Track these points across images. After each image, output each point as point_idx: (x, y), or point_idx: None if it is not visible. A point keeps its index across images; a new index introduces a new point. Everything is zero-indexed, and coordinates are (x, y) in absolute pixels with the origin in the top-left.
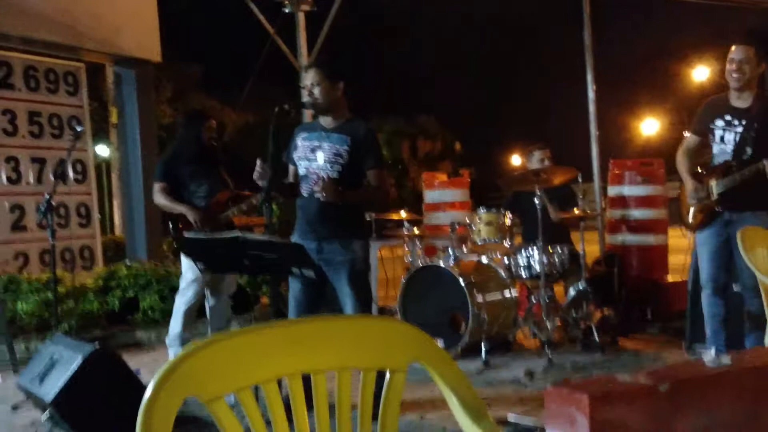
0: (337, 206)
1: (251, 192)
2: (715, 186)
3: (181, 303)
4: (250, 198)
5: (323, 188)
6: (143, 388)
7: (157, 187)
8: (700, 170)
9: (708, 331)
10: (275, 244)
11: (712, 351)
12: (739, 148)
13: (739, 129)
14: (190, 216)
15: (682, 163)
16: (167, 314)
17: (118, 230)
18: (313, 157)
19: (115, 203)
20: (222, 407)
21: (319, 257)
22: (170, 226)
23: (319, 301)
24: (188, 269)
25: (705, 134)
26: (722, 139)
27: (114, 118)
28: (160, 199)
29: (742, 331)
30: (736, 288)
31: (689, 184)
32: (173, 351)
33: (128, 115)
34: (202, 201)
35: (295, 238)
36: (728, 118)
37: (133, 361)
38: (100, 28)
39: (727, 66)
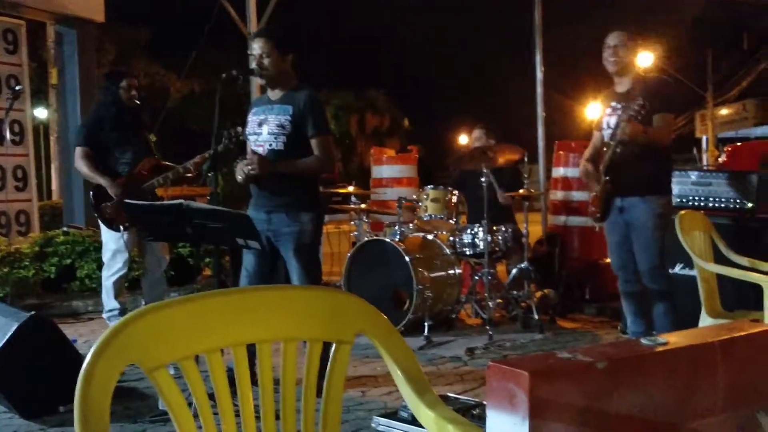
0: (287, 178)
1: (175, 164)
2: (601, 168)
3: (108, 276)
4: (177, 169)
5: (252, 163)
6: (80, 357)
7: (79, 152)
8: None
9: (627, 313)
10: (220, 213)
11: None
12: (614, 129)
13: (618, 112)
14: (110, 189)
15: (584, 154)
16: None
17: (55, 195)
18: (260, 131)
19: (53, 167)
20: (164, 376)
21: (268, 228)
22: (91, 195)
23: (272, 275)
24: (109, 240)
25: (601, 126)
26: (608, 125)
27: (54, 79)
28: (81, 165)
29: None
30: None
31: (581, 167)
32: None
33: (68, 76)
34: (126, 168)
35: (249, 210)
36: (613, 104)
37: (69, 330)
38: None
39: (604, 53)
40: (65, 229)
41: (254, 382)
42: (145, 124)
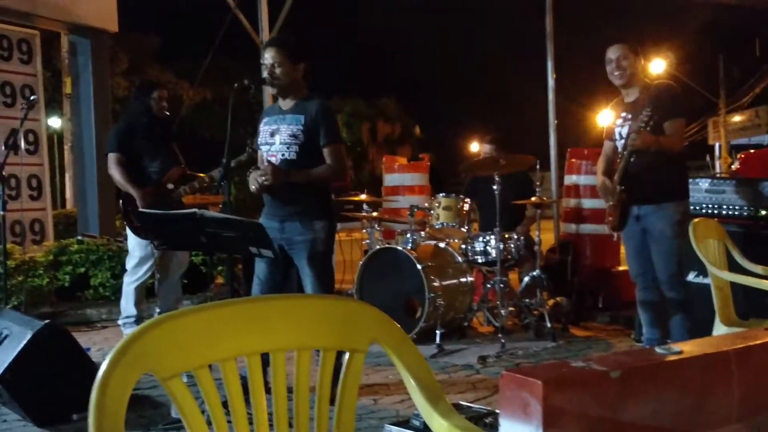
0: (300, 186)
1: (203, 173)
2: (616, 179)
3: (130, 282)
4: (203, 178)
5: (266, 173)
6: (93, 366)
7: (112, 158)
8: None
9: (643, 321)
10: (233, 222)
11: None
12: (626, 140)
13: (629, 122)
14: (139, 201)
15: (598, 167)
16: (119, 292)
17: (69, 204)
18: (272, 141)
19: (67, 176)
20: (178, 385)
21: (281, 237)
22: (121, 203)
23: (285, 283)
24: (135, 247)
25: (613, 136)
26: (620, 135)
27: (68, 89)
28: (115, 172)
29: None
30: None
31: (598, 182)
32: (129, 332)
33: (82, 85)
34: (155, 176)
35: (262, 219)
36: (623, 114)
37: (83, 339)
38: None
39: (607, 68)
40: (79, 237)
41: (267, 390)
42: (174, 135)
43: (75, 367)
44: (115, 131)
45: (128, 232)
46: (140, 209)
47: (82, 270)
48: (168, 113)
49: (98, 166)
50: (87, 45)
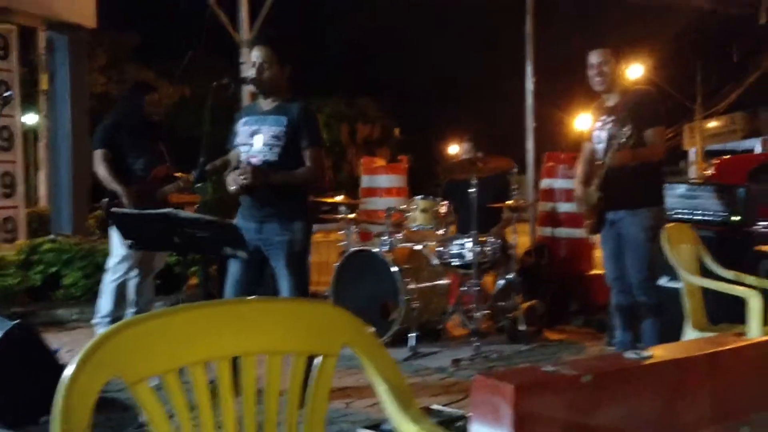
0: (278, 187)
1: (183, 173)
2: (594, 187)
3: (111, 280)
4: (186, 178)
5: (246, 173)
6: (62, 368)
7: (98, 154)
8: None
9: (616, 324)
10: (207, 222)
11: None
12: (606, 147)
13: (608, 126)
14: (124, 198)
15: (578, 171)
16: (90, 292)
17: (42, 202)
18: (252, 142)
19: (41, 174)
20: (145, 390)
21: (258, 237)
22: (103, 201)
23: (259, 284)
24: (119, 245)
25: (592, 139)
26: (599, 138)
27: (44, 85)
28: (101, 169)
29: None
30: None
31: (577, 190)
32: (102, 331)
33: (59, 82)
34: (140, 174)
35: (237, 220)
36: (603, 118)
37: (53, 339)
38: None
39: (588, 72)
40: (52, 236)
41: (238, 392)
42: (162, 136)
43: (44, 369)
44: (102, 128)
45: (111, 229)
46: (114, 209)
47: (54, 270)
48: (157, 117)
49: (73, 164)
50: (64, 41)
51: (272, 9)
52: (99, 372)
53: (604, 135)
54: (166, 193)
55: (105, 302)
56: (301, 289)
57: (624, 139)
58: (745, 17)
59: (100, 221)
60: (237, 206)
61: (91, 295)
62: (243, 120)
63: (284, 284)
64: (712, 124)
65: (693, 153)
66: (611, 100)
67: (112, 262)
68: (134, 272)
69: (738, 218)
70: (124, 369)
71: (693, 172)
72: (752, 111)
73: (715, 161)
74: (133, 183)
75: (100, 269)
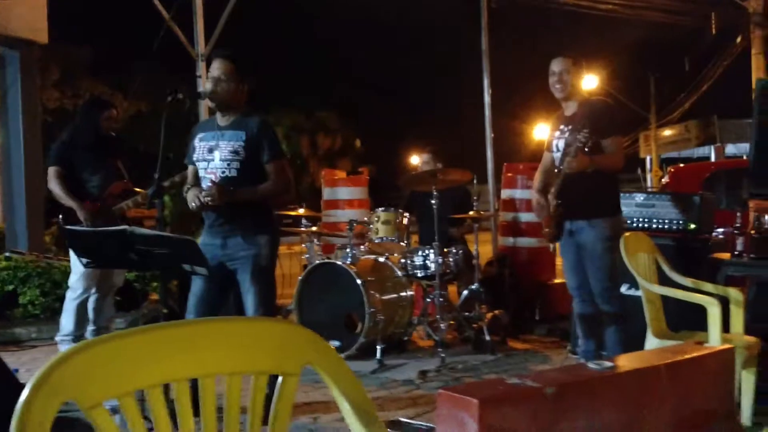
0: (241, 202)
1: (139, 188)
2: (551, 195)
3: (72, 298)
4: (144, 193)
5: (212, 193)
6: (21, 388)
7: (52, 171)
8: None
9: (579, 333)
10: (165, 239)
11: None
12: (563, 154)
13: (566, 135)
14: (80, 214)
15: (535, 179)
16: (48, 310)
17: None
18: (211, 157)
19: None
20: (102, 415)
21: (223, 253)
22: (60, 218)
23: (222, 301)
24: (77, 262)
25: (551, 148)
26: (557, 147)
27: None
28: (54, 186)
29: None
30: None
31: (533, 199)
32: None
33: (11, 98)
34: (95, 191)
35: (203, 236)
36: (562, 127)
37: (11, 359)
38: None
39: (549, 79)
40: (7, 254)
41: (197, 412)
42: (119, 152)
43: (2, 390)
44: (57, 145)
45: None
46: (68, 227)
47: (11, 288)
48: (113, 133)
49: (27, 180)
50: (16, 57)
51: (230, 22)
52: (53, 397)
53: (561, 143)
54: (123, 209)
55: (67, 321)
56: (268, 304)
57: (581, 144)
58: (697, 28)
59: (57, 238)
60: (198, 222)
61: (49, 313)
62: (199, 135)
63: (250, 299)
64: (667, 132)
65: (649, 161)
66: (570, 109)
67: (71, 280)
68: (93, 289)
69: (694, 226)
70: (79, 393)
71: (650, 180)
72: (706, 119)
73: (671, 169)
74: (88, 200)
75: (57, 287)
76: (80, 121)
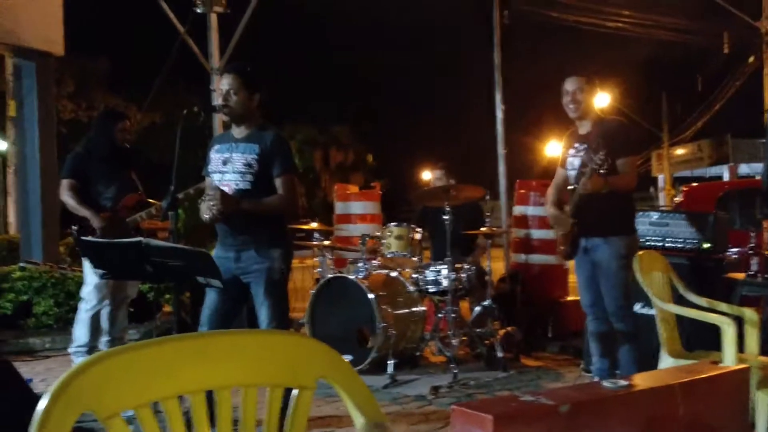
0: (254, 215)
1: (154, 199)
2: (567, 213)
3: (85, 309)
4: (159, 205)
5: (216, 198)
6: (35, 398)
7: (65, 183)
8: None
9: (593, 351)
10: (180, 251)
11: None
12: (579, 173)
13: (581, 154)
14: (95, 223)
15: (549, 194)
16: (62, 320)
17: (12, 229)
18: (225, 170)
19: (9, 201)
20: (119, 425)
21: (236, 266)
22: (73, 228)
23: (235, 314)
24: (90, 273)
25: (565, 165)
26: (572, 165)
27: (12, 112)
28: (67, 197)
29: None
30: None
31: (548, 213)
32: (79, 361)
33: (27, 109)
34: (109, 203)
35: (216, 249)
36: (576, 145)
37: (25, 369)
38: (1, 17)
39: (563, 99)
40: (22, 264)
41: (213, 422)
42: (133, 163)
43: (16, 400)
44: (71, 157)
45: (83, 258)
46: (100, 233)
47: (25, 298)
48: (128, 145)
49: (42, 191)
50: (32, 68)
51: (243, 38)
52: (71, 407)
53: (577, 162)
54: (137, 221)
55: (81, 332)
56: (281, 317)
57: (597, 166)
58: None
59: (71, 248)
60: (211, 234)
61: (63, 324)
62: (215, 147)
63: (263, 312)
64: (680, 151)
65: (662, 179)
66: (584, 128)
67: (85, 291)
68: (107, 301)
69: (709, 245)
70: (96, 404)
71: (662, 199)
72: (718, 138)
73: (684, 188)
74: (101, 212)
75: (71, 297)
76: (95, 132)
